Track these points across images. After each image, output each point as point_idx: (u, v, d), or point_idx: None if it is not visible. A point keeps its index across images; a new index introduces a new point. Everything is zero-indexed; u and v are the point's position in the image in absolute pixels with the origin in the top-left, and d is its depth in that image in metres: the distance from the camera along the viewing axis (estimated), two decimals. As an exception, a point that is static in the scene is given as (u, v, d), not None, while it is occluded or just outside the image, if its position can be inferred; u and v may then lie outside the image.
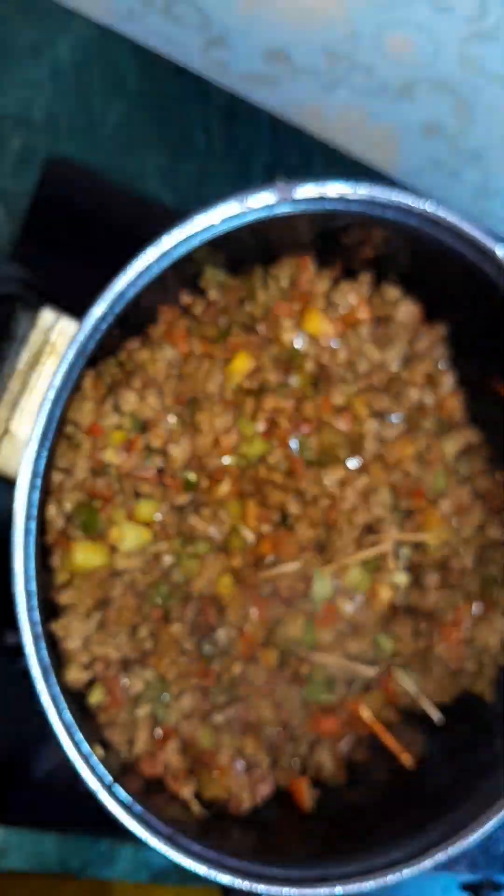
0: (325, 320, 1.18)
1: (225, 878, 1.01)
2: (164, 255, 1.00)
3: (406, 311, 1.24)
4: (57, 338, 1.03)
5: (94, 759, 0.97)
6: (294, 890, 1.04)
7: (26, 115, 1.36)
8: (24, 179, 1.34)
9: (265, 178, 1.50)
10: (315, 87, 1.45)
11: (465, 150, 1.50)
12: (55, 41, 1.39)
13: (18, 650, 0.94)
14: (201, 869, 1.00)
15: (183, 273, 1.13)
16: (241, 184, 1.49)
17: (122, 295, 0.98)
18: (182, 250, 1.01)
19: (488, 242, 1.11)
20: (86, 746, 0.96)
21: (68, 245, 1.34)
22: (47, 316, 1.03)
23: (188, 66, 1.47)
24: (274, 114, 1.53)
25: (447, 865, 1.39)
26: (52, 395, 0.95)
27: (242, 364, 1.14)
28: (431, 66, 1.33)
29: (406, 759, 1.23)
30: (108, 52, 1.42)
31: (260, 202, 1.02)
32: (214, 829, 1.10)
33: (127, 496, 1.10)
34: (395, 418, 1.22)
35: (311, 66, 1.40)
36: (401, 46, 1.30)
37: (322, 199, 1.06)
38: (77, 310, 1.00)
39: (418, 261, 1.18)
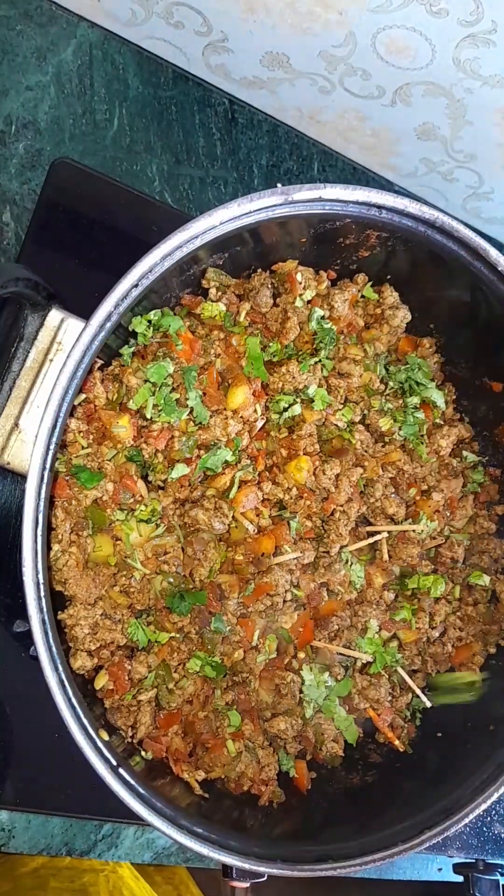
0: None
1: (226, 858, 1.04)
2: (166, 256, 1.02)
3: (402, 316, 1.27)
4: (64, 337, 1.05)
5: (100, 743, 0.99)
6: (293, 869, 1.07)
7: (31, 118, 1.38)
8: (30, 182, 1.37)
9: (264, 182, 1.53)
10: (313, 91, 1.46)
11: (459, 152, 1.52)
12: (59, 47, 1.41)
13: (28, 638, 0.96)
14: (203, 849, 1.03)
15: (185, 274, 1.16)
16: (241, 186, 1.52)
17: (126, 296, 1.00)
18: (185, 252, 1.03)
19: (481, 243, 1.14)
20: (91, 730, 0.98)
21: (73, 246, 1.36)
22: (55, 316, 1.06)
23: (189, 71, 1.50)
24: (273, 117, 1.56)
25: (441, 847, 1.42)
26: (58, 392, 0.97)
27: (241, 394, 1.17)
28: (427, 70, 1.35)
29: (399, 744, 1.26)
30: (112, 57, 1.45)
31: (260, 205, 1.04)
32: (216, 809, 1.13)
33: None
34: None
35: (309, 70, 1.42)
36: (397, 50, 1.32)
37: (319, 201, 1.09)
38: (83, 309, 1.03)
39: (413, 261, 1.21)
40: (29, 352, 1.05)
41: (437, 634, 1.30)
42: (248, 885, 1.14)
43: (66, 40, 1.42)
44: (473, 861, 1.43)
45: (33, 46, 1.40)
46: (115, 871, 1.47)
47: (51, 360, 1.05)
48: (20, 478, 1.18)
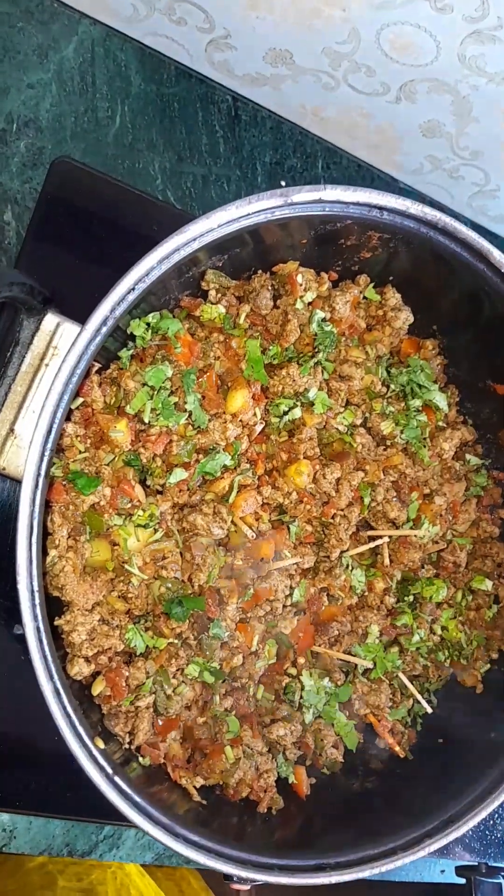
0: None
1: (223, 867, 1.04)
2: (163, 259, 1.01)
3: (404, 318, 1.26)
4: (60, 341, 1.04)
5: (95, 751, 0.99)
6: (292, 878, 1.07)
7: (33, 117, 1.37)
8: (31, 180, 1.36)
9: (268, 179, 1.51)
10: (317, 88, 1.45)
11: (464, 150, 1.50)
12: (61, 44, 1.40)
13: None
14: (200, 857, 1.03)
15: (184, 276, 1.15)
16: (245, 184, 1.50)
17: (122, 300, 0.99)
18: (183, 254, 1.02)
19: (485, 244, 1.13)
20: (87, 738, 0.98)
21: (75, 245, 1.35)
22: (50, 320, 1.05)
23: (192, 68, 1.49)
24: (277, 114, 1.55)
25: (444, 851, 1.41)
26: (54, 397, 0.97)
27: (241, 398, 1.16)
28: (431, 66, 1.33)
29: (400, 750, 1.25)
30: (113, 55, 1.43)
31: (259, 206, 1.03)
32: (214, 816, 1.13)
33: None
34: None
35: (312, 67, 1.40)
36: (401, 46, 1.31)
37: (320, 203, 1.07)
38: (84, 309, 1.01)
39: (415, 262, 1.20)
40: (25, 356, 1.04)
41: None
42: (248, 887, 1.14)
43: (68, 37, 1.41)
44: (476, 864, 1.43)
45: (35, 44, 1.39)
46: (122, 868, 1.47)
47: (46, 365, 1.04)
48: (18, 482, 1.17)
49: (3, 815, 1.29)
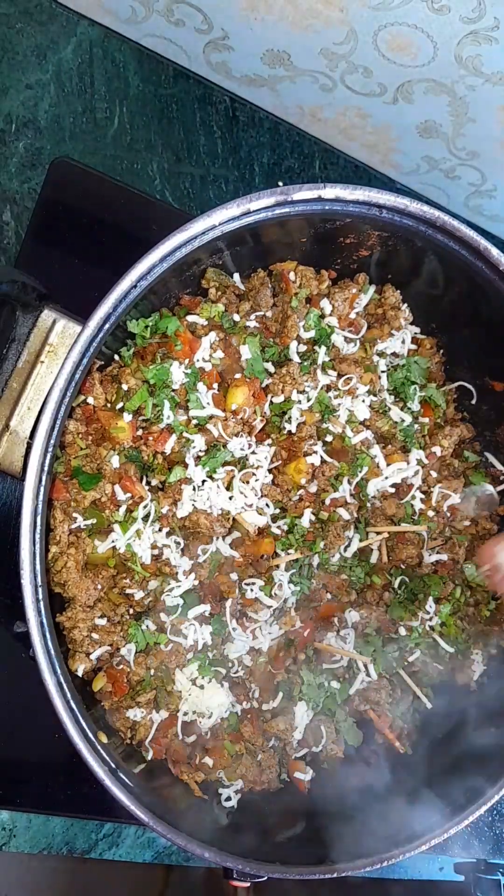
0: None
1: (226, 861, 1.04)
2: (165, 257, 1.02)
3: (403, 316, 1.26)
4: (56, 338, 1.04)
5: (98, 745, 0.99)
6: (294, 872, 1.07)
7: (31, 117, 1.38)
8: (30, 181, 1.36)
9: (265, 180, 1.52)
10: (314, 89, 1.46)
11: (461, 150, 1.51)
12: (59, 45, 1.40)
13: (28, 638, 0.96)
14: (202, 852, 1.03)
15: (184, 274, 1.15)
16: (243, 184, 1.51)
17: (124, 297, 1.00)
18: (184, 252, 1.03)
19: (483, 242, 1.13)
20: (90, 732, 0.98)
21: (74, 245, 1.36)
22: (47, 317, 1.05)
23: (190, 69, 1.49)
24: (274, 115, 1.55)
25: (443, 847, 1.41)
26: (56, 394, 0.97)
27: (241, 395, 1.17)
28: (428, 67, 1.34)
29: (399, 745, 1.25)
30: (112, 55, 1.44)
31: (260, 205, 1.04)
32: (215, 811, 1.13)
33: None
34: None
35: (310, 68, 1.41)
36: (398, 47, 1.31)
37: (319, 201, 1.08)
38: (83, 308, 1.02)
39: (414, 261, 1.21)
40: (21, 353, 1.04)
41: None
42: (248, 884, 1.14)
43: (67, 38, 1.41)
44: (475, 861, 1.43)
45: (33, 44, 1.39)
46: None
47: (42, 362, 1.04)
48: (14, 477, 1.18)
49: (3, 813, 1.29)
